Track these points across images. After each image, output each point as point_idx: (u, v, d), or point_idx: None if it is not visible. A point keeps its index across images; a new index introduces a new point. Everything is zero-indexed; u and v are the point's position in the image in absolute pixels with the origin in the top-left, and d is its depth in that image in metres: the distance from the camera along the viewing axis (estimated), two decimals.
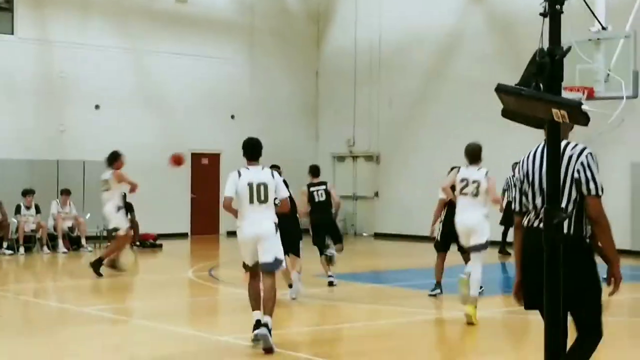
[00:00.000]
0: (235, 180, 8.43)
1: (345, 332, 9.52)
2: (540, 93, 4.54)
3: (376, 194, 23.98)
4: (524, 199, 5.10)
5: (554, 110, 4.38)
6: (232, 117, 23.98)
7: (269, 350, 7.87)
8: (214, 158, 23.83)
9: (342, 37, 24.83)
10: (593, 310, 5.09)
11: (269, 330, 7.95)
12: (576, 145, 5.07)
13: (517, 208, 5.15)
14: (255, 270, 8.39)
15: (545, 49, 4.64)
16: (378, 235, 23.48)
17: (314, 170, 13.84)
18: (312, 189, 13.36)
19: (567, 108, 4.36)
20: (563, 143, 4.92)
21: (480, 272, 9.95)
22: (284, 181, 9.13)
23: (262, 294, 8.27)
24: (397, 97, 23.22)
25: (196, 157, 23.50)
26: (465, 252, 10.86)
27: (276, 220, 8.44)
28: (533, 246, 4.84)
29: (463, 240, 10.50)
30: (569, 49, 4.73)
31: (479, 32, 21.23)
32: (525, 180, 5.08)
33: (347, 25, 24.59)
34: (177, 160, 13.82)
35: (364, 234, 24.15)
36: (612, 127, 4.60)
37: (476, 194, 10.19)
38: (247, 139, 8.89)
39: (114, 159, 14.55)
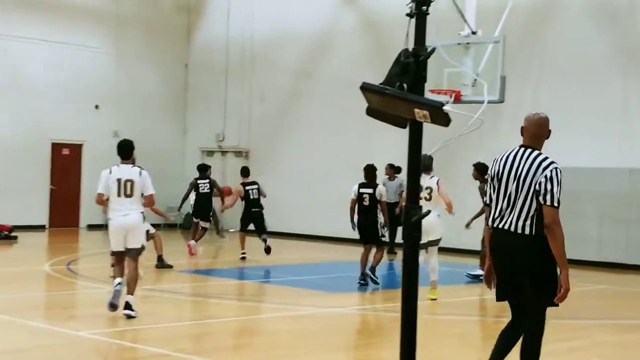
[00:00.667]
0: (106, 176, 9.47)
1: (209, 328, 9.33)
2: (403, 93, 4.58)
3: None
4: (493, 195, 5.59)
5: (416, 110, 4.43)
6: (97, 107, 23.27)
7: (113, 306, 9.14)
8: (76, 148, 23.03)
9: (213, 30, 24.52)
10: (540, 300, 5.54)
11: (131, 308, 9.12)
12: (546, 158, 5.58)
13: (488, 201, 5.66)
14: (120, 257, 9.52)
15: (410, 49, 4.66)
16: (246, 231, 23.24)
17: (245, 172, 17.27)
18: (247, 187, 16.88)
19: (429, 108, 4.42)
20: (535, 153, 5.55)
21: (437, 261, 11.74)
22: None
23: (126, 276, 9.36)
24: (269, 93, 23.13)
25: (57, 147, 22.68)
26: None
27: (142, 210, 9.55)
28: (498, 245, 5.49)
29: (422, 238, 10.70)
30: (433, 50, 4.79)
31: (350, 31, 21.43)
32: (496, 179, 5.56)
33: (218, 18, 24.30)
34: None
35: (232, 230, 23.91)
36: (471, 129, 4.65)
37: (429, 199, 11.41)
38: (121, 141, 9.82)
39: None
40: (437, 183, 11.67)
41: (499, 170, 5.56)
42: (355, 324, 10.37)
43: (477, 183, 14.39)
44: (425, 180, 11.43)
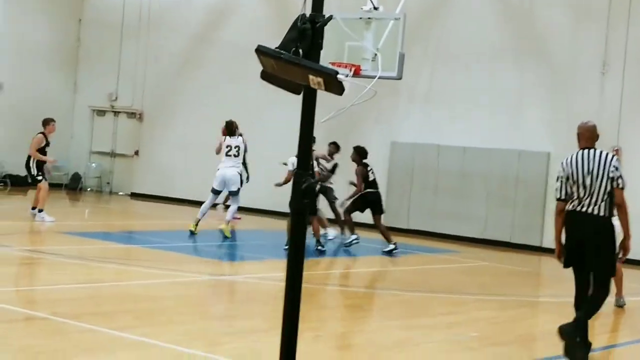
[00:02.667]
0: None
1: (89, 292, 9.10)
2: (298, 58, 4.54)
3: (136, 153, 23.33)
4: (568, 190, 7.18)
5: (311, 77, 4.39)
6: None
7: None
8: None
9: None
10: (608, 271, 7.16)
11: None
12: (607, 153, 7.20)
13: (562, 196, 7.24)
14: None
15: (308, 15, 4.62)
16: (135, 195, 22.91)
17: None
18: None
19: (323, 75, 4.39)
20: (598, 151, 7.16)
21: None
22: None
23: None
24: (165, 55, 22.66)
25: None
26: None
27: None
28: (575, 222, 7.14)
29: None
30: (330, 17, 4.76)
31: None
32: (570, 179, 7.14)
33: None
34: None
35: (120, 193, 23.48)
36: (363, 99, 4.66)
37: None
38: None
39: None
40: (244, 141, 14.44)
41: (572, 170, 7.14)
42: (242, 292, 10.34)
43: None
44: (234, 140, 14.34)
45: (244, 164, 15.87)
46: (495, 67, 17.88)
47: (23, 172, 21.67)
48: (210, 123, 19.43)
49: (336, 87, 4.35)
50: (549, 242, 16.90)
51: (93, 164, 23.95)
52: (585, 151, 7.20)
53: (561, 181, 7.22)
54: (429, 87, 18.74)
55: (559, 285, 12.65)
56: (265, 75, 4.75)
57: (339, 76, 4.34)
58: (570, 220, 7.18)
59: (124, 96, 23.51)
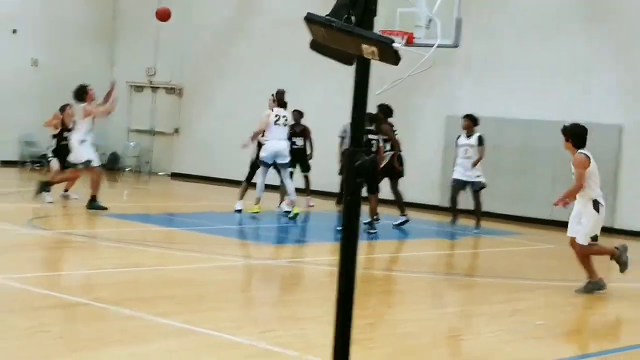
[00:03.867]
0: None
1: (132, 277, 9.25)
2: (351, 26, 4.48)
3: (176, 131, 23.55)
4: None
5: (364, 46, 4.33)
6: (14, 31, 22.60)
7: None
8: None
9: None
10: None
11: None
12: None
13: None
14: None
15: None
16: (175, 175, 23.15)
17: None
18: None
19: (378, 44, 4.32)
20: None
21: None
22: None
23: None
24: (205, 27, 22.76)
25: None
26: None
27: None
28: None
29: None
30: None
31: None
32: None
33: None
34: (162, 15, 13.65)
35: (160, 173, 23.73)
36: (420, 69, 4.60)
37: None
38: None
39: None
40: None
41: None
42: (288, 277, 10.41)
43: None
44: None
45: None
46: (559, 31, 17.56)
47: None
48: (253, 98, 19.49)
49: (391, 56, 4.30)
50: (622, 222, 16.73)
51: (131, 143, 24.22)
52: None
53: None
54: (487, 55, 18.53)
55: (632, 270, 12.51)
56: (315, 45, 4.72)
57: (394, 45, 4.30)
58: None
59: (162, 71, 23.71)
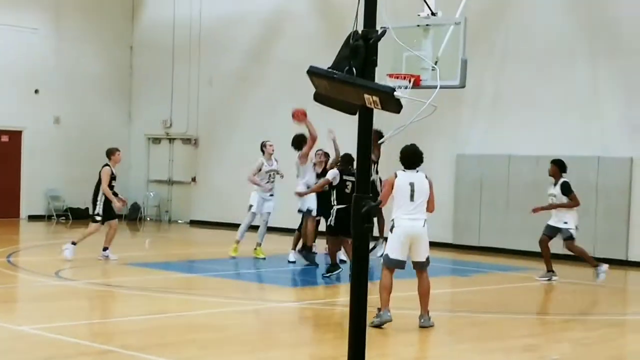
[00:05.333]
0: None
1: (156, 323, 9.36)
2: (352, 77, 4.52)
3: (193, 179, 23.77)
4: None
5: (366, 96, 4.40)
6: (36, 91, 23.01)
7: None
8: (16, 135, 22.79)
9: (159, 10, 24.38)
10: None
11: None
12: None
13: None
14: None
15: (360, 31, 4.63)
16: (194, 223, 23.30)
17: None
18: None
19: (379, 94, 4.38)
20: None
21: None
22: None
23: None
24: (218, 77, 23.06)
25: None
26: None
27: None
28: None
29: None
30: (383, 32, 4.76)
31: (302, 12, 21.41)
32: None
33: None
34: (299, 116, 13.89)
35: (179, 221, 23.89)
36: (423, 115, 4.69)
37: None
38: None
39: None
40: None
41: None
42: (307, 318, 10.47)
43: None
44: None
45: None
46: (565, 66, 17.52)
47: (83, 205, 22.39)
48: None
49: (393, 105, 4.38)
50: (635, 254, 16.68)
51: (151, 193, 24.48)
52: None
53: None
54: (494, 93, 18.62)
55: None
56: (319, 97, 4.79)
57: (396, 93, 4.37)
58: None
59: (178, 122, 24.00)
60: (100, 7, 24.29)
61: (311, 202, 14.46)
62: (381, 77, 15.57)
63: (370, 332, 8.94)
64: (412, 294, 12.99)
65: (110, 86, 24.58)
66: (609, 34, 17.09)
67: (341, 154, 13.91)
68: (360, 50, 4.63)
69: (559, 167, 14.00)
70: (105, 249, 14.61)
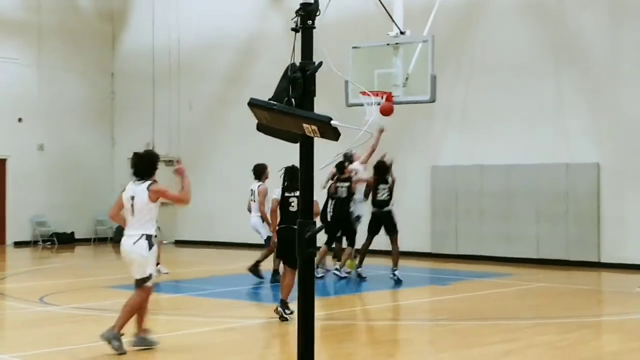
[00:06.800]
0: None
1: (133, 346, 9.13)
2: (291, 108, 4.58)
3: None
4: None
5: (305, 125, 4.43)
6: (20, 120, 22.79)
7: None
8: (0, 164, 22.50)
9: (138, 37, 24.26)
10: None
11: None
12: None
13: None
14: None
15: (297, 64, 4.66)
16: (179, 242, 23.08)
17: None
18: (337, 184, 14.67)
19: (317, 123, 4.42)
20: None
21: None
22: None
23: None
24: (198, 100, 22.95)
25: None
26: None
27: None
28: None
29: None
30: (320, 64, 4.81)
31: (278, 35, 21.37)
32: None
33: (143, 25, 24.05)
34: (386, 110, 13.79)
35: (165, 242, 23.63)
36: (358, 143, 4.69)
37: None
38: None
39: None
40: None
41: None
42: (286, 334, 10.30)
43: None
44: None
45: None
46: (532, 78, 17.69)
47: (69, 230, 22.14)
48: (248, 165, 19.54)
49: (331, 133, 4.39)
50: (607, 256, 16.65)
51: None
52: None
53: None
54: (465, 106, 18.65)
55: (622, 302, 12.41)
56: (261, 127, 4.82)
57: (332, 122, 4.37)
58: None
59: (160, 145, 23.78)
60: (81, 36, 24.13)
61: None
62: (354, 94, 15.52)
63: (349, 344, 8.85)
64: (398, 303, 12.93)
65: (93, 112, 24.39)
66: (571, 47, 17.22)
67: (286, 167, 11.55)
68: (299, 82, 4.67)
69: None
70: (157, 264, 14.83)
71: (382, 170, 14.59)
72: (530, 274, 15.55)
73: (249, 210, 14.80)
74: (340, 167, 14.81)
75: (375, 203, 14.38)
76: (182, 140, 23.37)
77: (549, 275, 15.48)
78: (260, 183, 14.52)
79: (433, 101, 14.01)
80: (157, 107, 23.73)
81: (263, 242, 14.55)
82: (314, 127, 4.38)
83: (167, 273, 15.01)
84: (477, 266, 16.85)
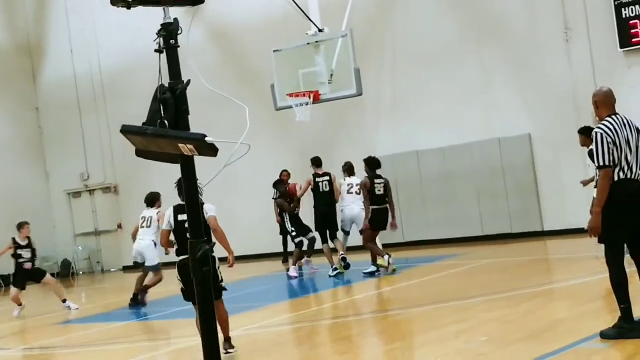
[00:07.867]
0: None
1: None
2: (164, 130, 4.51)
3: (119, 226, 23.29)
4: (615, 155, 6.82)
5: (181, 145, 4.39)
6: None
7: None
8: None
9: (59, 68, 23.92)
10: None
11: None
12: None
13: (609, 162, 6.82)
14: None
15: (166, 84, 4.61)
16: (127, 268, 22.81)
17: (317, 162, 15.22)
18: (317, 179, 14.96)
19: (192, 142, 4.38)
20: (626, 116, 7.01)
21: None
22: None
23: None
24: (126, 122, 22.37)
25: None
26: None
27: None
28: (630, 192, 6.86)
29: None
30: (188, 82, 4.75)
31: (199, 45, 21.21)
32: (624, 142, 6.83)
33: (62, 56, 23.72)
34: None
35: (112, 269, 23.39)
36: (238, 156, 4.67)
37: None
38: None
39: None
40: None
41: (625, 134, 6.90)
42: (244, 345, 10.26)
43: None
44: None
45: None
46: (455, 59, 17.89)
47: (7, 271, 21.71)
48: None
49: (208, 149, 4.35)
50: (550, 224, 16.93)
51: (79, 247, 23.92)
52: (620, 115, 7.01)
53: (608, 146, 6.83)
54: (393, 95, 18.78)
55: (568, 268, 12.61)
56: (140, 153, 4.74)
57: (207, 139, 4.33)
58: (624, 189, 6.86)
59: (95, 173, 23.54)
60: (1, 73, 23.68)
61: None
62: (282, 97, 15.45)
63: (308, 343, 8.84)
64: (347, 300, 12.94)
65: (23, 148, 23.98)
66: (492, 25, 17.50)
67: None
68: (169, 102, 4.62)
69: (587, 134, 11.39)
70: (64, 301, 15.16)
71: (375, 165, 14.32)
72: (476, 252, 15.74)
73: (134, 237, 14.61)
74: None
75: (373, 200, 14.03)
76: (116, 165, 23.10)
77: (495, 251, 15.69)
78: (158, 210, 14.34)
79: (360, 94, 14.09)
80: (87, 135, 23.43)
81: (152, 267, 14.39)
82: (189, 145, 4.34)
83: (77, 309, 14.99)
84: (424, 251, 17.00)
